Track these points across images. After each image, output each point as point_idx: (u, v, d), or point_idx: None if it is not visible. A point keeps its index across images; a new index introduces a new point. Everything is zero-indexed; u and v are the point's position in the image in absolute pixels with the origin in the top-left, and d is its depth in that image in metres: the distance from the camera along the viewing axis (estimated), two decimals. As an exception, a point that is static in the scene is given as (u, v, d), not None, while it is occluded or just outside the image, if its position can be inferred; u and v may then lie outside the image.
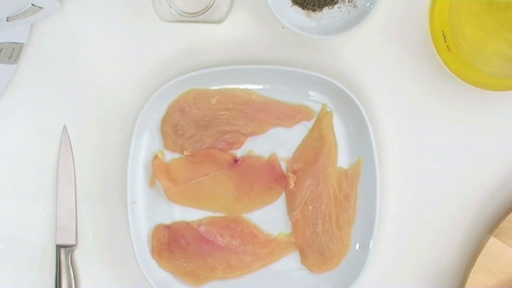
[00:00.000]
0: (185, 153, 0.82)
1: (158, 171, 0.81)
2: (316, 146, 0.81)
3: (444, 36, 0.79)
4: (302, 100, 0.82)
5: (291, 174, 0.81)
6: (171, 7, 0.76)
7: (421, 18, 0.82)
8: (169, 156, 0.82)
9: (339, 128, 0.82)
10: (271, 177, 0.82)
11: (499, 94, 0.80)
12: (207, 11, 0.76)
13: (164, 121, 0.81)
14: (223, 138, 0.82)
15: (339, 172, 0.81)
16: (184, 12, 0.75)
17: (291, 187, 0.81)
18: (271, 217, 0.82)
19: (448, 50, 0.79)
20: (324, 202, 0.81)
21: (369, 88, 0.83)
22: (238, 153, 0.82)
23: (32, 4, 0.74)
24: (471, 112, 0.82)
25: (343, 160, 0.82)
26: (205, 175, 0.82)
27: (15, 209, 0.83)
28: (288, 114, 0.82)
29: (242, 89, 0.81)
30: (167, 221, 0.82)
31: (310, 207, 0.81)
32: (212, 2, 0.75)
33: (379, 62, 0.82)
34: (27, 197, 0.83)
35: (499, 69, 0.77)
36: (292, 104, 0.82)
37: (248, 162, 0.82)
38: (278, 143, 0.82)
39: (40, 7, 0.76)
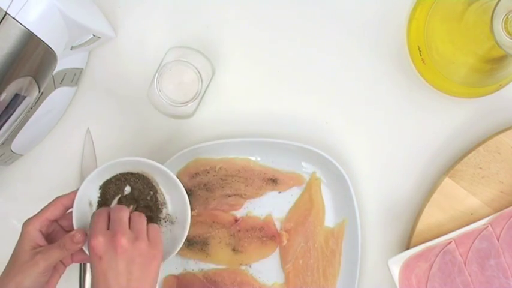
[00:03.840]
0: (193, 213, 0.85)
1: (169, 229, 0.84)
2: (306, 208, 0.86)
3: (420, 50, 0.82)
4: (294, 168, 0.86)
5: (284, 233, 0.86)
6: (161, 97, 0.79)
7: (399, 35, 0.86)
8: (178, 215, 0.86)
9: (326, 193, 0.86)
10: (267, 235, 0.86)
11: (467, 100, 0.85)
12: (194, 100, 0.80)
13: (174, 186, 0.86)
14: (225, 201, 0.86)
15: (326, 231, 0.86)
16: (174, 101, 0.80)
17: (284, 243, 0.86)
18: (266, 269, 0.86)
19: (423, 62, 0.83)
20: (313, 257, 0.86)
21: (351, 152, 0.87)
22: (238, 214, 0.86)
23: (93, 35, 0.79)
24: (444, 117, 0.87)
25: (329, 220, 0.87)
26: (210, 232, 0.86)
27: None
28: (282, 181, 0.86)
29: (242, 158, 0.86)
30: (176, 271, 0.87)
31: (301, 261, 0.86)
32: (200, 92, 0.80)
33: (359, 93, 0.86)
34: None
35: (468, 79, 0.81)
36: (286, 171, 0.86)
37: (247, 221, 0.86)
38: (273, 205, 0.86)
39: (99, 37, 0.80)
